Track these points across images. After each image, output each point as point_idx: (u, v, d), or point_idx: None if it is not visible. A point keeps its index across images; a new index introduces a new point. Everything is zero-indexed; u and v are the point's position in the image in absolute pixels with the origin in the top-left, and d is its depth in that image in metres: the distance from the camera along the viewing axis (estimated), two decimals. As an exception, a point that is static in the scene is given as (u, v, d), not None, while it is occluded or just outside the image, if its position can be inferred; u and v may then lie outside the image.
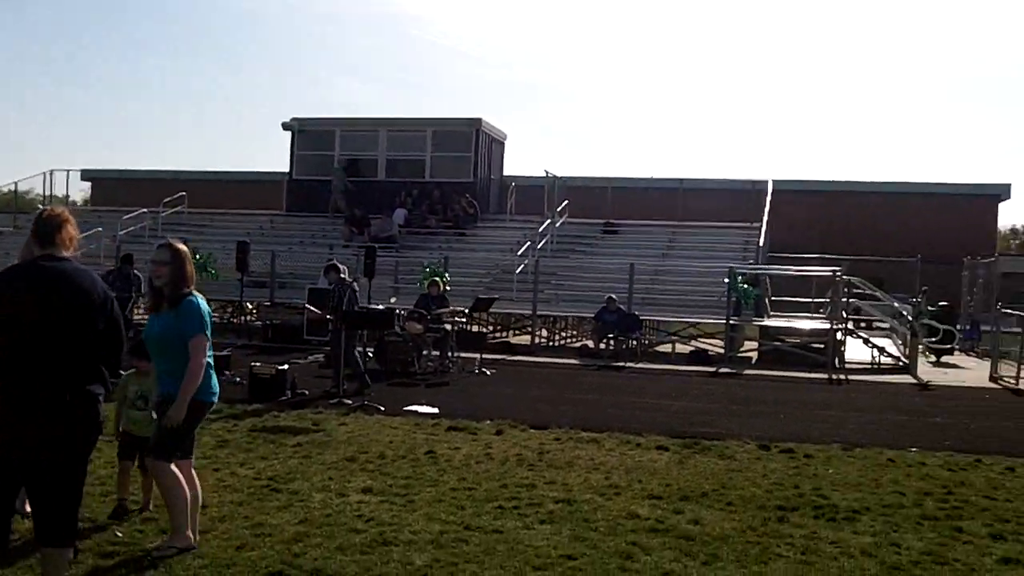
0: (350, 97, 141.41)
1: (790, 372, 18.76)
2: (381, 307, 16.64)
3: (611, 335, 20.27)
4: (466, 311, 19.01)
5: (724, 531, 6.91)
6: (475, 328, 23.13)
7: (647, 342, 23.38)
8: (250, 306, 24.69)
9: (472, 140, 30.72)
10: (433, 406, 12.74)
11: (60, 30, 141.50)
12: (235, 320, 24.43)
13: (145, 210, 31.57)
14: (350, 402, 12.67)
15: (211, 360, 5.95)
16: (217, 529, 6.58)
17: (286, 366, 13.86)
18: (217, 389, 6.09)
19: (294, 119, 32.53)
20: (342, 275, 14.47)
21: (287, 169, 33.21)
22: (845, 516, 7.49)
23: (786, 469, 9.37)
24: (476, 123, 30.74)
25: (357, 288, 14.79)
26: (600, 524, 7.00)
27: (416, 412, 12.34)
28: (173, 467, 5.86)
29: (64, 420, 4.66)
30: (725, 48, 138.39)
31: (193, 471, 6.21)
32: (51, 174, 35.92)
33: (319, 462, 9.01)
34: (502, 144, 33.18)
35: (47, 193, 36.97)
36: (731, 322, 20.85)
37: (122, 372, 6.01)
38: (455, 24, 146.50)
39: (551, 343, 24.34)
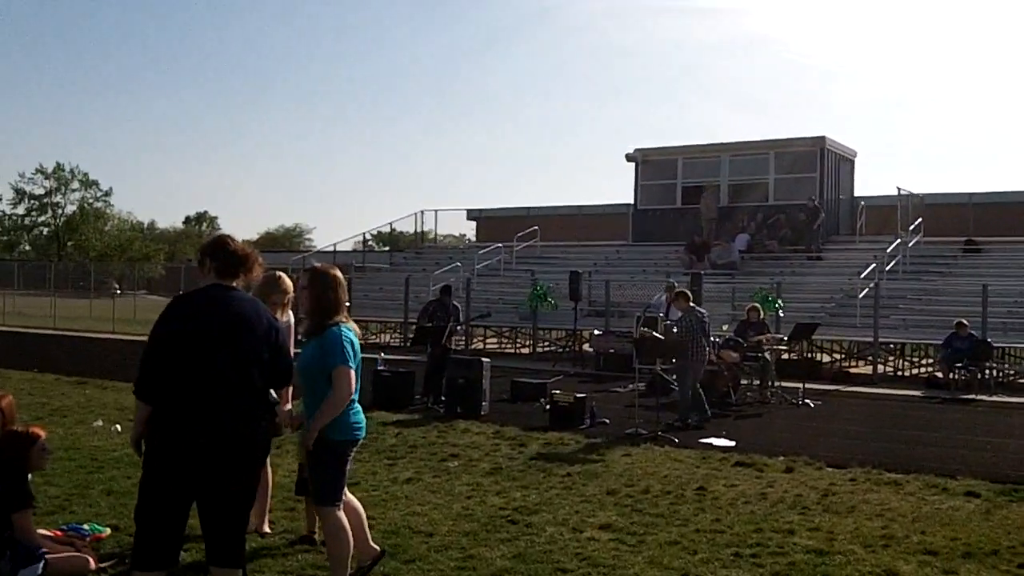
0: (700, 120, 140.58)
1: None
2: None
3: (960, 364, 18.18)
4: (785, 338, 17.83)
5: (993, 599, 5.73)
6: (814, 356, 21.79)
7: (1012, 372, 20.79)
8: (587, 335, 24.77)
9: (817, 160, 29.12)
10: (732, 439, 11.97)
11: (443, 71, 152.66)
12: (571, 348, 24.62)
13: (500, 245, 32.89)
14: (645, 432, 12.18)
15: (354, 397, 5.52)
16: (427, 559, 6.47)
17: (584, 395, 13.62)
18: (362, 425, 5.66)
19: (637, 150, 32.61)
20: (691, 303, 14.08)
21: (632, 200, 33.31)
22: None
23: (1123, 528, 7.73)
24: (820, 142, 29.10)
25: (706, 317, 14.26)
26: (840, 581, 6.07)
27: (711, 445, 11.63)
28: (340, 514, 5.56)
29: (231, 445, 4.70)
30: None
31: (348, 495, 5.89)
32: (422, 214, 38.59)
33: (578, 494, 8.68)
34: (851, 162, 31.18)
35: (419, 230, 39.74)
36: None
37: None
38: (808, 43, 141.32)
39: (897, 373, 22.32)
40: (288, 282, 6.92)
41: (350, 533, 5.60)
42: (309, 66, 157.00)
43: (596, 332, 23.04)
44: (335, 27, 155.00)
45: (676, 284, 20.86)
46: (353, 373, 5.40)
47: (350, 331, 5.53)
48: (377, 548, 6.08)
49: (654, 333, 15.89)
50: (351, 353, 5.41)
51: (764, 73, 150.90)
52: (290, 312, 7.11)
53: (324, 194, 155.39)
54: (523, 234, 33.65)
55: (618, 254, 32.07)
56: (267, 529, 7.05)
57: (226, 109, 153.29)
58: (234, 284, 4.94)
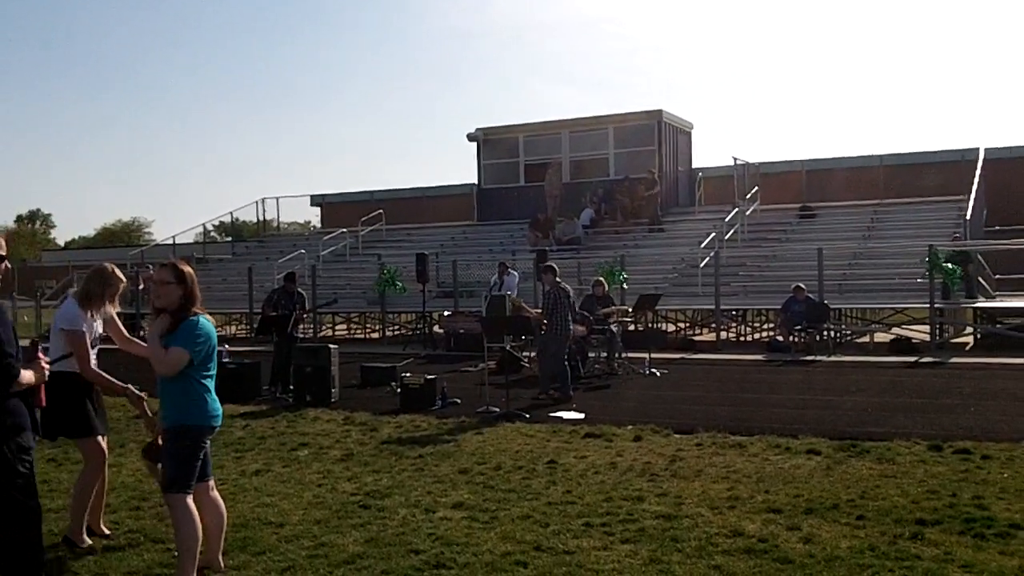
0: (542, 99, 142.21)
1: (1009, 359, 16.72)
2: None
3: (799, 327, 18.87)
4: (629, 310, 18.12)
5: (835, 552, 5.89)
6: (659, 326, 22.25)
7: (849, 333, 21.71)
8: (437, 316, 24.64)
9: (655, 133, 29.71)
10: (581, 411, 12.06)
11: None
12: (421, 330, 24.50)
13: (345, 230, 32.43)
14: (496, 410, 12.16)
15: (208, 384, 5.55)
16: (278, 549, 6.28)
17: (434, 376, 13.50)
18: (218, 414, 5.61)
19: (478, 129, 32.62)
20: (557, 279, 13.99)
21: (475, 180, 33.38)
22: (999, 532, 6.27)
23: (951, 474, 8.09)
24: (657, 115, 29.69)
25: (571, 291, 14.23)
26: (690, 544, 6.14)
27: (561, 419, 11.68)
28: (189, 501, 5.46)
29: None
30: (923, 9, 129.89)
31: (215, 493, 5.83)
32: (263, 202, 37.70)
33: (431, 475, 8.56)
34: (688, 134, 31.94)
35: (261, 219, 38.77)
36: (936, 305, 18.95)
37: None
38: (637, 20, 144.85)
39: (740, 338, 23.03)
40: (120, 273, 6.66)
41: (199, 523, 5.46)
42: (142, 57, 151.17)
43: (445, 313, 22.96)
44: (170, 17, 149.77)
45: (508, 264, 21.03)
46: (184, 357, 5.36)
47: (206, 321, 5.51)
48: (223, 565, 5.84)
49: (527, 307, 15.86)
50: (197, 343, 5.41)
51: (600, 51, 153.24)
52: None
53: (161, 186, 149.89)
54: (368, 218, 33.27)
55: (464, 234, 32.06)
56: (105, 530, 6.71)
57: (56, 103, 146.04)
58: None
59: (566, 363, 13.71)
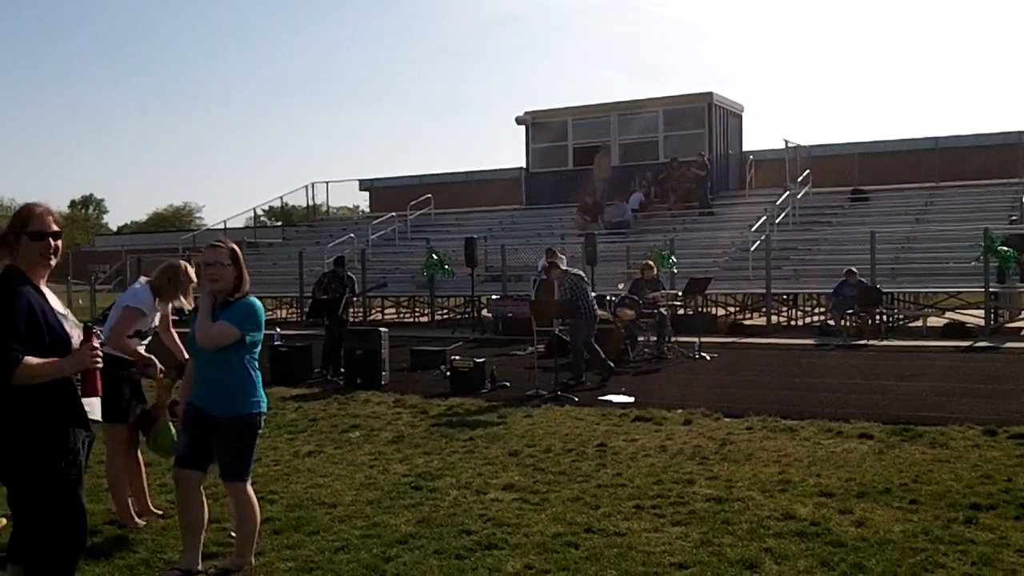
0: (589, 83, 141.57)
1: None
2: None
3: (851, 311, 18.67)
4: (680, 294, 18.05)
5: (888, 536, 5.85)
6: (709, 310, 22.13)
7: (902, 317, 21.45)
8: (485, 300, 24.72)
9: (705, 115, 29.48)
10: (630, 395, 12.06)
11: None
12: (470, 314, 24.59)
13: (394, 214, 32.57)
14: (545, 393, 12.19)
15: (257, 367, 5.53)
16: (331, 529, 6.36)
17: (483, 359, 13.55)
18: (264, 399, 5.56)
19: (527, 113, 32.54)
20: (565, 268, 14.00)
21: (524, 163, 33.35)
22: (1056, 516, 6.19)
23: (1006, 459, 7.98)
24: (708, 97, 29.45)
25: (583, 274, 14.23)
26: (741, 526, 6.13)
27: (610, 402, 11.69)
28: (250, 489, 5.52)
29: None
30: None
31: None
32: (312, 186, 37.92)
33: (481, 457, 8.62)
34: (739, 117, 31.63)
35: (310, 203, 39.11)
36: (991, 290, 18.67)
37: None
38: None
39: (791, 322, 22.83)
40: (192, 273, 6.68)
41: (257, 508, 5.58)
42: (192, 45, 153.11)
43: (494, 297, 23.01)
44: (216, 7, 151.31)
45: (555, 249, 21.00)
46: (233, 333, 5.31)
47: (261, 305, 5.53)
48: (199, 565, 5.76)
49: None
50: (250, 321, 5.37)
51: (644, 33, 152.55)
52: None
53: (213, 171, 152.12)
54: (417, 202, 33.36)
55: (512, 218, 32.06)
56: (157, 511, 6.82)
57: (109, 88, 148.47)
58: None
59: (595, 345, 13.69)
